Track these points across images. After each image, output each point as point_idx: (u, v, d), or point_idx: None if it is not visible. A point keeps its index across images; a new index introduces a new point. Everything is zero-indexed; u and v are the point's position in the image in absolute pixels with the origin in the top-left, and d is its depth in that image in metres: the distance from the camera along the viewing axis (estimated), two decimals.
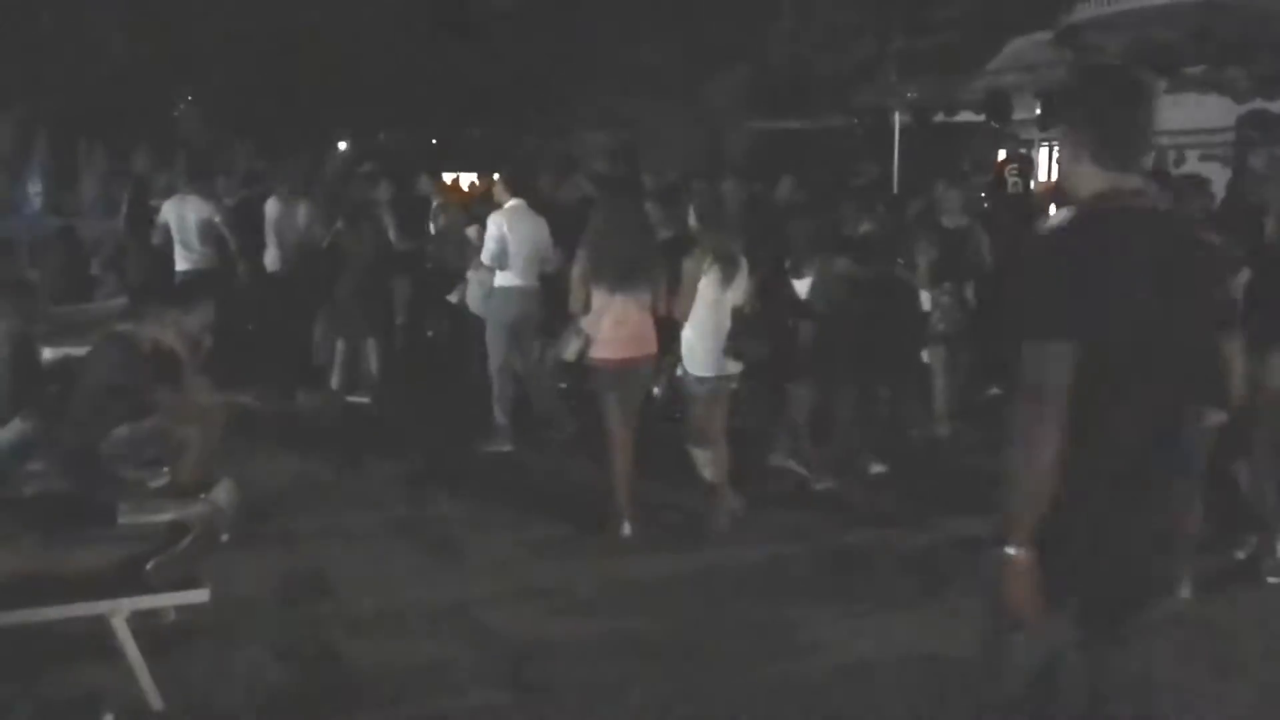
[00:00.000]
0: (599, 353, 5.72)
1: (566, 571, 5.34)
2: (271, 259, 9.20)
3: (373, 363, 8.16)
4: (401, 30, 19.70)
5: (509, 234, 7.28)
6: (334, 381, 8.16)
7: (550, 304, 7.22)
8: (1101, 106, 2.54)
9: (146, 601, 3.99)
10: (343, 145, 19.31)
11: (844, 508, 6.42)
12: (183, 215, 9.12)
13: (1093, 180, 2.50)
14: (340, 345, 8.21)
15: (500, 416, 7.41)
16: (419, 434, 7.80)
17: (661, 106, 18.55)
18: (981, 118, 14.88)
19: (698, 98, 18.71)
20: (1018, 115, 14.89)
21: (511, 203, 7.46)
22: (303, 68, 18.76)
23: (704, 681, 4.24)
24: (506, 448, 7.37)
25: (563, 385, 7.72)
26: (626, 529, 5.76)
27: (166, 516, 4.71)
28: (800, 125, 17.24)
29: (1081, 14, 13.83)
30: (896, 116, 14.56)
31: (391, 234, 9.18)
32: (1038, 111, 14.37)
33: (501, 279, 7.38)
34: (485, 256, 7.32)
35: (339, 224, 8.31)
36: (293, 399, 8.55)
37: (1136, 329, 2.37)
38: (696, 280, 5.71)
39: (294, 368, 8.79)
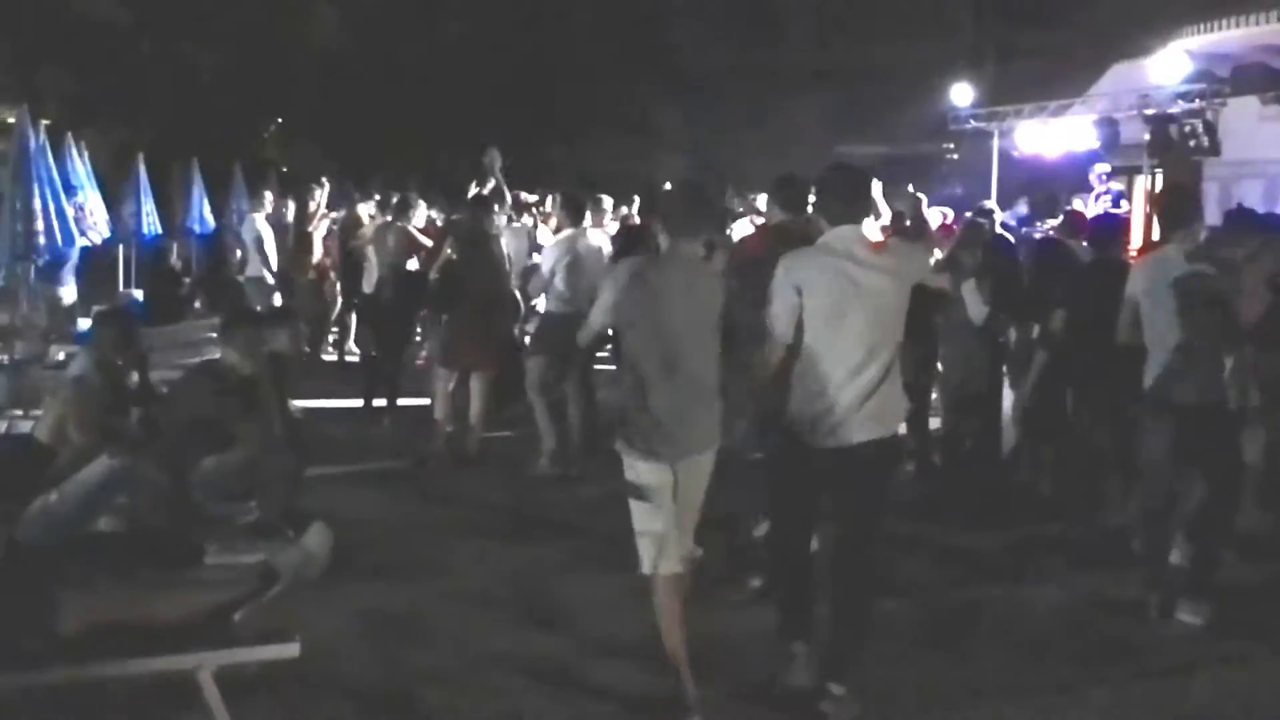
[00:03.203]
0: None
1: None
2: (368, 280, 9.15)
3: (478, 396, 7.69)
4: (486, 51, 19.77)
5: (566, 261, 7.12)
6: (437, 412, 7.76)
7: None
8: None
9: (234, 655, 3.79)
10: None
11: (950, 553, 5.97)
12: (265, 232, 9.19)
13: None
14: (444, 375, 7.78)
15: (548, 440, 7.16)
16: (517, 468, 7.47)
17: (743, 129, 18.34)
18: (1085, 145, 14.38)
19: (782, 120, 18.47)
20: (1125, 140, 14.43)
21: (569, 231, 7.25)
22: (392, 90, 18.93)
23: None
24: (558, 471, 7.14)
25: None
26: (756, 582, 5.23)
27: (255, 558, 4.57)
28: (889, 150, 16.91)
29: (1187, 38, 13.39)
30: (995, 142, 14.20)
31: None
32: (1146, 138, 13.92)
33: (554, 304, 7.23)
34: (533, 289, 6.93)
35: (449, 250, 7.85)
36: (380, 425, 8.40)
37: None
38: None
39: (385, 394, 8.64)
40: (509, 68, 19.85)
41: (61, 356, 9.18)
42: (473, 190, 8.71)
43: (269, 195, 11.47)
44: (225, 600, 3.90)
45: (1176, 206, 5.22)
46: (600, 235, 7.84)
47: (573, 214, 7.46)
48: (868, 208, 4.50)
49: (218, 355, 5.62)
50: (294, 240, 10.88)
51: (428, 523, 6.42)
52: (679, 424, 3.87)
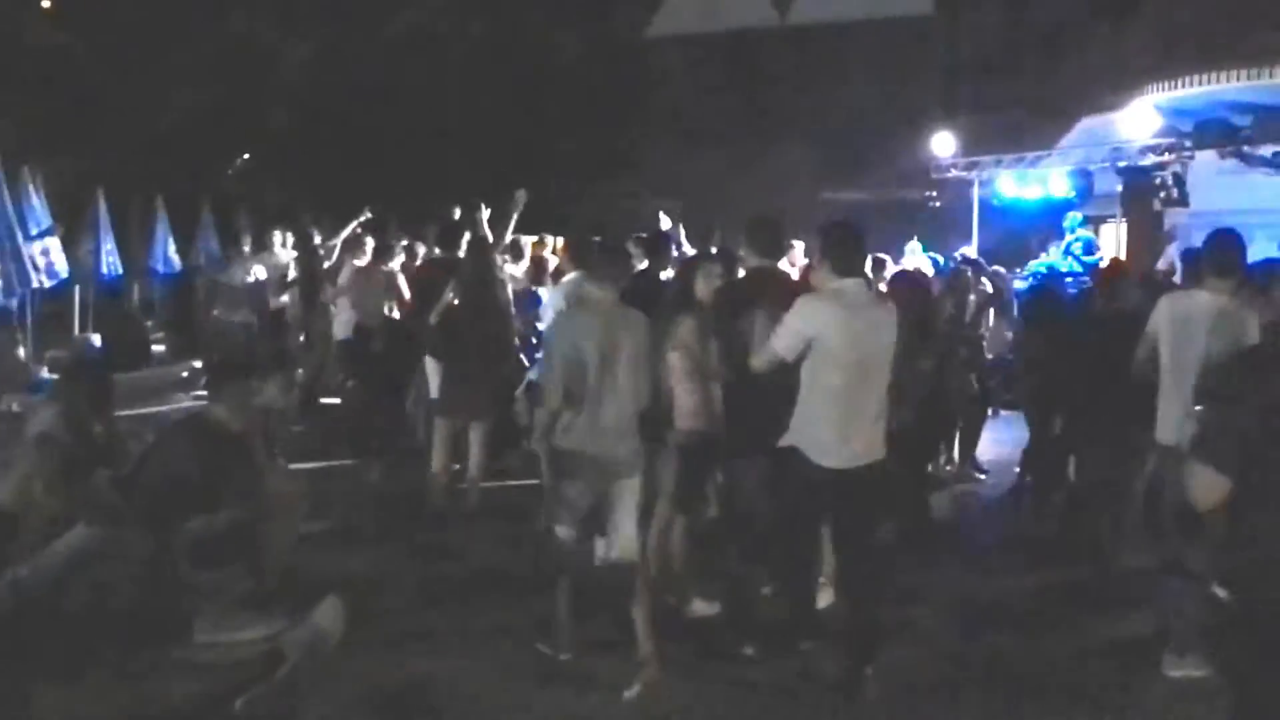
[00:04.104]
0: None
1: (699, 694, 4.58)
2: (342, 325, 8.72)
3: (478, 446, 7.14)
4: (470, 90, 19.54)
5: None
6: (434, 463, 7.22)
7: None
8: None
9: None
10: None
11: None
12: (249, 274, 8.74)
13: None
14: (441, 424, 7.24)
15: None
16: (521, 521, 6.87)
17: (728, 173, 18.31)
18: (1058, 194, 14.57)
19: (767, 166, 18.50)
20: (1098, 191, 14.65)
21: (574, 274, 6.83)
22: (372, 127, 18.57)
23: None
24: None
25: None
26: (749, 650, 5.01)
27: (252, 634, 4.16)
28: (870, 196, 16.97)
29: (1153, 94, 13.74)
30: (976, 190, 14.28)
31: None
32: (1119, 189, 14.17)
33: None
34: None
35: (450, 294, 7.34)
36: (371, 475, 7.85)
37: None
38: None
39: (380, 444, 8.10)
40: (493, 109, 19.64)
41: (16, 408, 8.55)
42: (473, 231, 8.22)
43: (277, 235, 10.78)
44: (223, 686, 3.49)
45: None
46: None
47: (578, 259, 7.08)
48: (864, 261, 5.03)
49: (186, 404, 5.17)
50: (305, 280, 10.03)
51: (435, 583, 5.78)
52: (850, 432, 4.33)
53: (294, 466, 5.35)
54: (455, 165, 17.99)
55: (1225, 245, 4.94)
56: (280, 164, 18.58)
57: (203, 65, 18.05)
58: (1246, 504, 2.84)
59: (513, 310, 7.64)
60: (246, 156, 18.82)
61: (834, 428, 4.31)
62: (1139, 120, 13.74)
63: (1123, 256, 13.44)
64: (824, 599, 5.31)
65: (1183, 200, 13.39)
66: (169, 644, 3.79)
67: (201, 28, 18.79)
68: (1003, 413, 9.16)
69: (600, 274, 4.70)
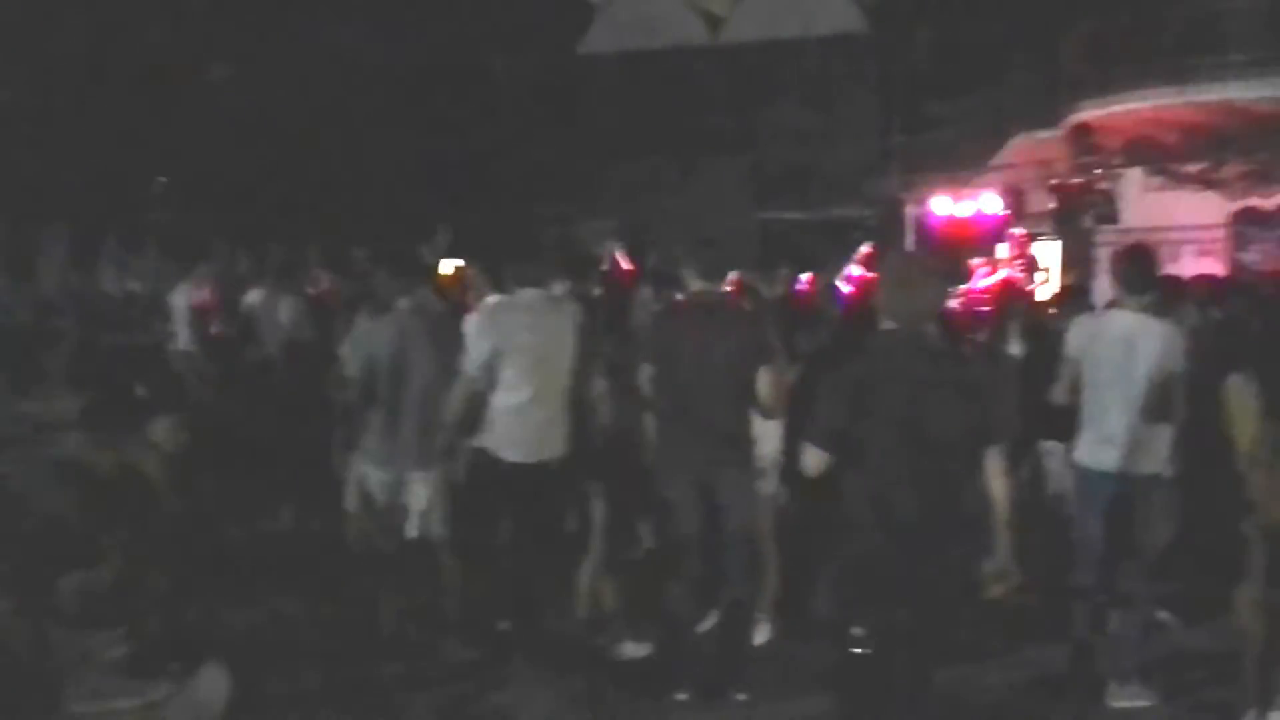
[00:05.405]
0: None
1: None
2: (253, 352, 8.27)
3: (417, 493, 6.37)
4: (400, 111, 19.11)
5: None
6: (349, 503, 6.53)
7: None
8: None
9: None
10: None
11: None
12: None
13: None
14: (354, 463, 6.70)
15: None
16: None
17: (664, 193, 18.15)
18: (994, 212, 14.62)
19: (702, 185, 18.39)
20: (1031, 209, 14.77)
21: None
22: (291, 152, 18.04)
23: None
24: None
25: None
26: (682, 696, 4.65)
27: (132, 703, 3.74)
28: (806, 216, 16.92)
29: (1083, 113, 13.92)
30: (910, 209, 14.30)
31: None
32: (1051, 206, 14.30)
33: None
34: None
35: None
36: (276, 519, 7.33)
37: None
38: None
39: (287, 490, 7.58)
40: (420, 131, 19.22)
41: None
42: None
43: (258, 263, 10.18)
44: None
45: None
46: None
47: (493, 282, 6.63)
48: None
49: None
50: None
51: (346, 638, 5.36)
52: None
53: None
54: (381, 189, 17.61)
55: (1136, 261, 4.80)
56: (198, 188, 17.95)
57: (120, 84, 17.37)
58: None
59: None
60: (163, 180, 18.17)
61: None
62: (1069, 139, 13.98)
63: (1058, 274, 13.60)
64: (760, 635, 5.07)
65: (1113, 218, 13.67)
66: (36, 716, 3.35)
67: (121, 46, 18.15)
68: None
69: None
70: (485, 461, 4.92)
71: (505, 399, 4.79)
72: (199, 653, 4.04)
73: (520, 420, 4.80)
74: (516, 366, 4.75)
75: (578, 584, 5.17)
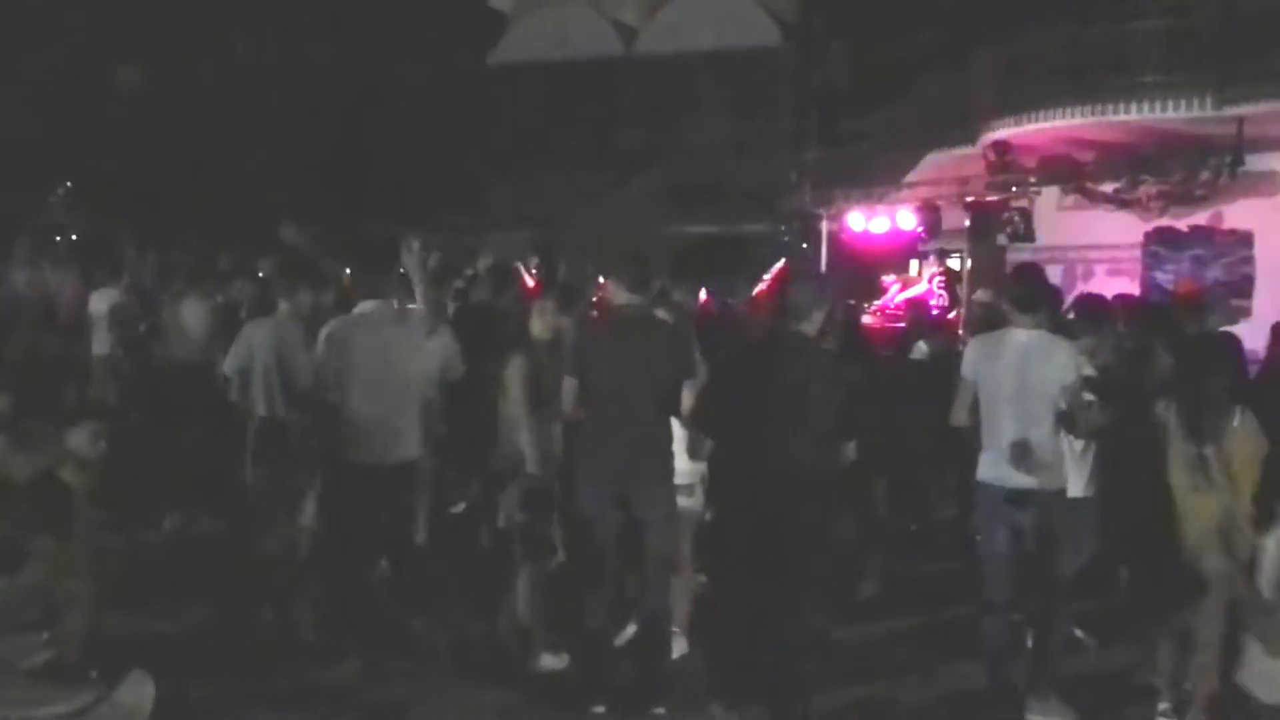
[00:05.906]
0: None
1: None
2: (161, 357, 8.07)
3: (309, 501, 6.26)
4: (305, 118, 18.80)
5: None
6: (304, 517, 6.32)
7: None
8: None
9: None
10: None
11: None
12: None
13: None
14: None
15: None
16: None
17: (576, 205, 18.05)
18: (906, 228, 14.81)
19: (612, 198, 18.33)
20: (946, 226, 14.94)
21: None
22: (197, 156, 17.63)
23: None
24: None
25: None
26: (598, 709, 4.62)
27: (52, 711, 3.65)
28: (719, 230, 16.99)
29: (999, 131, 14.05)
30: (825, 224, 14.42)
31: None
32: (967, 223, 14.43)
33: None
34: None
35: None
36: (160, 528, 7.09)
37: None
38: None
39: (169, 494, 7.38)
40: (329, 139, 18.93)
41: None
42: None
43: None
44: None
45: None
46: None
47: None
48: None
49: None
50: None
51: (266, 642, 5.21)
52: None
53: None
54: (288, 199, 17.29)
55: (1026, 280, 4.90)
56: (105, 194, 17.45)
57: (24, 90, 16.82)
58: None
59: None
60: (69, 185, 17.60)
61: None
62: (984, 156, 14.01)
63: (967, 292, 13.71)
64: (677, 648, 5.08)
65: (1029, 236, 13.53)
66: None
67: (28, 52, 17.59)
68: None
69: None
70: (342, 465, 5.05)
71: (352, 407, 5.00)
72: (120, 659, 3.96)
73: (366, 425, 4.98)
74: (357, 377, 4.97)
75: (506, 598, 5.17)
